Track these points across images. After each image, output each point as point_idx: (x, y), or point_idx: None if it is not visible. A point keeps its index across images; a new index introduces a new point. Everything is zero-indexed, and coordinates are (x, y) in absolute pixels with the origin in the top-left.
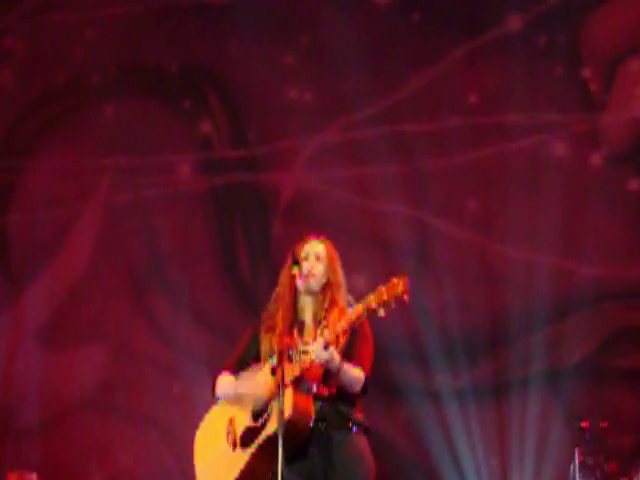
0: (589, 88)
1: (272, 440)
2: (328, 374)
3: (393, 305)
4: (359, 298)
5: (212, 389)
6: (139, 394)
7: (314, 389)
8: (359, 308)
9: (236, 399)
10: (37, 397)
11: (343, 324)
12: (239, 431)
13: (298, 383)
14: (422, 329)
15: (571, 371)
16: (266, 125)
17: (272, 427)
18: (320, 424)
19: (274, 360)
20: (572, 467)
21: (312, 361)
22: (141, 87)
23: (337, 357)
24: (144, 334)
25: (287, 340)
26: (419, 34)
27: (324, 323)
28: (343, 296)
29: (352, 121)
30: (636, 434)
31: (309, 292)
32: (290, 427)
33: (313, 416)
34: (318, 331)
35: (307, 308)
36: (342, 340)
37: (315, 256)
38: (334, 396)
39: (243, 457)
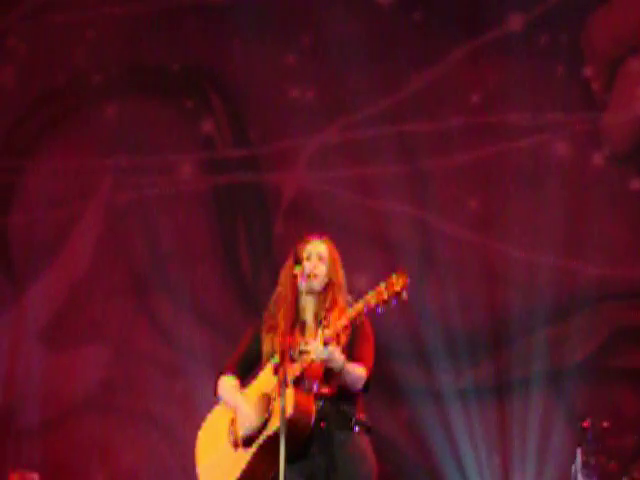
0: (591, 88)
1: (273, 440)
2: (329, 373)
3: (393, 302)
4: (359, 298)
5: (214, 389)
6: (141, 394)
7: (315, 388)
8: (359, 306)
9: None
10: (39, 397)
11: (343, 322)
12: (240, 431)
13: (299, 382)
14: (424, 329)
15: (573, 371)
16: (268, 125)
17: (273, 427)
18: (322, 423)
19: (276, 360)
20: (574, 467)
21: (312, 360)
22: (142, 87)
23: (338, 355)
24: (146, 334)
25: (289, 340)
26: (420, 34)
27: (324, 323)
28: (344, 296)
29: (354, 121)
30: (638, 434)
31: (311, 292)
32: (291, 426)
33: (314, 415)
34: (319, 330)
35: (308, 308)
36: (343, 338)
37: (317, 256)
38: (335, 395)
39: (244, 457)
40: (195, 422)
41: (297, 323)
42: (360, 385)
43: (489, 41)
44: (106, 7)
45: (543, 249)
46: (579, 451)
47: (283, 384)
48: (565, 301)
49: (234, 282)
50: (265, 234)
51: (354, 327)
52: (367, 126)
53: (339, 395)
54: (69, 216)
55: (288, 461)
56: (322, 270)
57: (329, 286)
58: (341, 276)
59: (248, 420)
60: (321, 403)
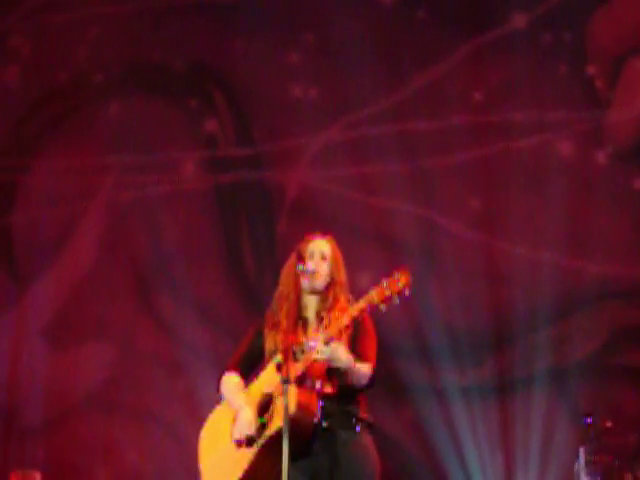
0: (594, 86)
1: (276, 438)
2: (332, 371)
3: (396, 300)
4: (360, 297)
5: (217, 387)
6: (144, 392)
7: (318, 387)
8: (361, 304)
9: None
10: (42, 395)
11: (345, 320)
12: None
13: (302, 381)
14: (427, 327)
15: (575, 369)
16: (271, 123)
17: (276, 425)
18: (324, 422)
19: (279, 358)
20: (577, 465)
21: (315, 359)
22: (145, 86)
23: (342, 352)
24: (149, 332)
25: (291, 338)
26: (424, 32)
27: (325, 321)
28: (346, 295)
29: (357, 119)
30: None
31: (313, 290)
32: (294, 425)
33: (317, 413)
34: (320, 328)
35: (310, 306)
36: (345, 336)
37: (320, 255)
38: (338, 394)
39: (247, 456)
40: (198, 420)
41: (299, 321)
42: (365, 381)
43: (492, 39)
44: (108, 6)
45: (546, 247)
46: (582, 449)
47: (286, 382)
48: (568, 299)
49: (237, 280)
50: (268, 232)
51: (355, 323)
52: (370, 124)
53: (342, 394)
54: (72, 215)
55: (291, 460)
56: (325, 269)
57: (331, 284)
58: (343, 274)
59: (248, 426)
60: (323, 402)
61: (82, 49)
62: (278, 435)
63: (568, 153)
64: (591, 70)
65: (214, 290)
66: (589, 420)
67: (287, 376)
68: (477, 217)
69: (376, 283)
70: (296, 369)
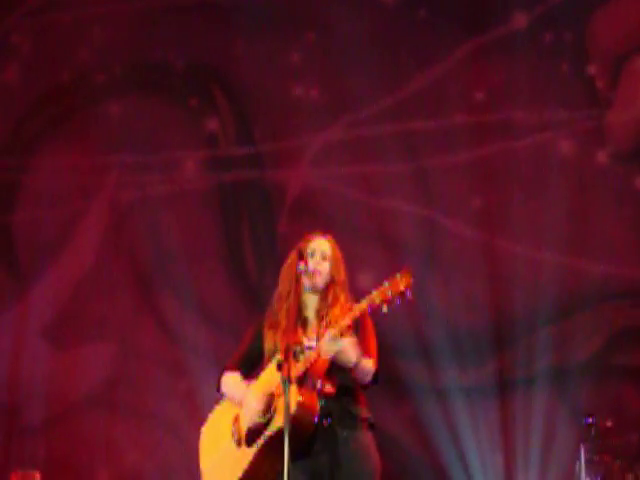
0: (595, 85)
1: (277, 437)
2: (332, 370)
3: (397, 301)
4: (361, 297)
5: (217, 386)
6: (145, 392)
7: (318, 385)
8: (362, 305)
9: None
10: (43, 395)
11: (347, 321)
12: (244, 429)
13: (302, 380)
14: (428, 327)
15: (576, 369)
16: (272, 123)
17: (277, 424)
18: (325, 420)
19: (279, 357)
20: (577, 465)
21: (319, 355)
22: (147, 85)
23: (353, 346)
24: (150, 332)
25: (292, 337)
26: (425, 32)
27: (326, 320)
28: (346, 294)
29: (358, 118)
30: None
31: (313, 289)
32: (295, 424)
33: (317, 413)
34: (327, 328)
35: (310, 305)
36: (347, 336)
37: (321, 254)
38: (338, 393)
39: (248, 455)
40: (199, 420)
41: (299, 320)
42: (369, 378)
43: (493, 39)
44: (110, 5)
45: (547, 247)
46: (583, 449)
47: (287, 381)
48: (569, 299)
49: (238, 280)
50: (269, 232)
51: (356, 322)
52: (371, 124)
53: (342, 392)
54: (73, 214)
55: (292, 459)
56: (325, 268)
57: (331, 284)
58: (343, 274)
59: (253, 412)
60: (324, 400)
61: (83, 48)
62: (279, 434)
63: (569, 153)
64: (592, 70)
65: (215, 289)
66: (590, 420)
67: (288, 376)
68: (478, 216)
69: (377, 283)
70: (297, 369)
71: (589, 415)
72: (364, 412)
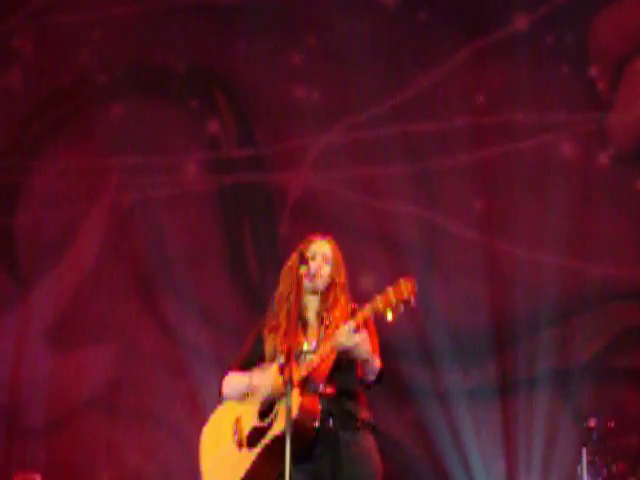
0: (596, 87)
1: (278, 440)
2: (333, 374)
3: (401, 308)
4: (363, 301)
5: (219, 389)
6: (146, 393)
7: (321, 389)
8: (366, 310)
9: (250, 390)
10: (44, 397)
11: (366, 313)
12: (245, 431)
13: (305, 383)
14: (429, 329)
15: (578, 371)
16: (273, 125)
17: (279, 427)
18: (327, 423)
19: (282, 359)
20: (579, 467)
21: (335, 347)
22: (148, 87)
23: (367, 342)
24: (151, 333)
25: (293, 339)
26: (425, 34)
27: (327, 322)
28: (346, 295)
29: (359, 121)
30: None
31: (314, 291)
32: (297, 427)
33: (319, 416)
34: (327, 327)
35: (311, 307)
36: (361, 331)
37: (322, 256)
38: (339, 395)
39: (249, 457)
40: (201, 421)
41: (299, 322)
42: (374, 377)
43: (494, 41)
44: (112, 7)
45: (548, 249)
46: (585, 451)
47: (288, 384)
48: (571, 301)
49: (240, 281)
50: (271, 234)
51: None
52: (373, 126)
53: (343, 395)
54: (75, 216)
55: (293, 462)
56: (326, 270)
57: (332, 286)
58: (343, 275)
59: (266, 387)
60: (325, 403)
61: (85, 51)
62: (281, 437)
63: (570, 155)
64: (593, 71)
65: (217, 291)
66: (592, 422)
67: (289, 378)
68: (479, 218)
69: (379, 284)
70: (300, 372)
71: (591, 417)
72: (365, 414)
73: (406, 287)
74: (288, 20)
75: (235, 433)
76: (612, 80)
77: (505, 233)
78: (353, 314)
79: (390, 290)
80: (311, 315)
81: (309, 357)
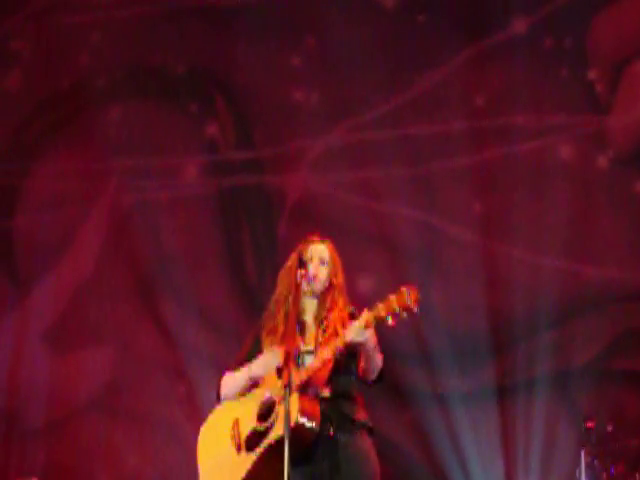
0: (595, 90)
1: (277, 445)
2: (333, 377)
3: (404, 315)
4: (363, 305)
5: (217, 391)
6: (145, 396)
7: (320, 393)
8: (369, 317)
9: (251, 380)
10: (43, 399)
11: (381, 313)
12: (244, 434)
13: (305, 388)
14: (428, 331)
15: (577, 373)
16: (272, 127)
17: (278, 432)
18: (325, 425)
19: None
20: (578, 469)
21: (343, 345)
22: (147, 89)
23: (374, 339)
24: (150, 336)
25: (292, 343)
26: (425, 36)
27: (325, 323)
28: (344, 298)
29: (358, 123)
30: None
31: (312, 294)
32: (297, 431)
33: (319, 421)
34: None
35: (308, 309)
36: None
37: (320, 259)
38: (336, 397)
39: (248, 460)
40: (199, 423)
41: (297, 324)
42: (374, 375)
43: (493, 44)
44: (111, 10)
45: (548, 251)
46: (584, 453)
47: (287, 388)
48: (570, 303)
49: (238, 284)
50: (269, 236)
51: None
52: (371, 129)
53: (341, 398)
54: (74, 219)
55: (292, 464)
56: (324, 273)
57: (329, 288)
58: (341, 278)
59: (268, 365)
60: (322, 406)
61: (84, 53)
62: (280, 442)
63: (569, 157)
64: (592, 74)
65: (215, 294)
66: (590, 424)
67: (288, 382)
68: (479, 221)
69: (378, 287)
70: (300, 376)
71: (590, 419)
72: (362, 416)
73: (410, 295)
74: (287, 22)
75: (234, 435)
76: (611, 83)
77: (504, 235)
78: (352, 317)
79: (392, 298)
80: (309, 318)
81: (308, 360)
